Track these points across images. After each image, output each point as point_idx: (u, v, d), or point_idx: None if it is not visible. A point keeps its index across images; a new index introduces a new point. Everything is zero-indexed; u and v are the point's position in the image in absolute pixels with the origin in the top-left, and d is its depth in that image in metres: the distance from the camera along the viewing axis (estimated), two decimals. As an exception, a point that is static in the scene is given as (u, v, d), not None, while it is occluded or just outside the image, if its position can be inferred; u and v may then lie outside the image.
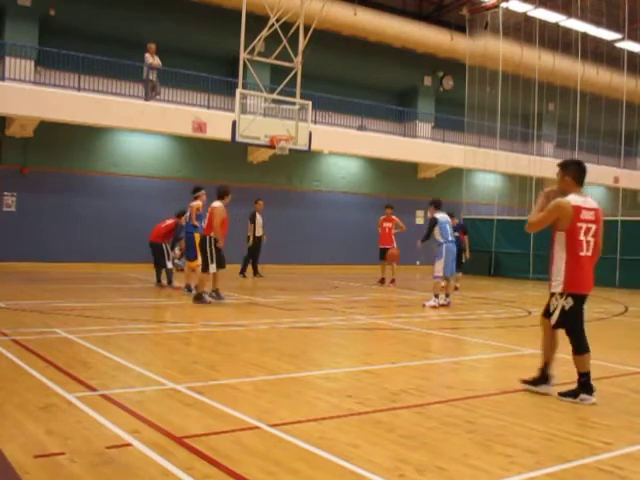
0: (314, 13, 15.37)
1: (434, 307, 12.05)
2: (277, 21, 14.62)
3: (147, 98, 18.90)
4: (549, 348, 5.75)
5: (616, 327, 11.04)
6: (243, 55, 14.22)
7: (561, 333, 5.60)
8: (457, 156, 24.35)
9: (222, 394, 5.24)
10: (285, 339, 8.30)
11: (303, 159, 21.98)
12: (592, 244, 5.50)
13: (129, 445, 3.94)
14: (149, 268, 15.34)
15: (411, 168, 25.20)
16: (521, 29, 23.80)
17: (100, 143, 19.52)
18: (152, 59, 18.75)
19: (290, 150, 14.88)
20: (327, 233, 23.01)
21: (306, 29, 14.87)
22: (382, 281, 17.05)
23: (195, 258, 12.75)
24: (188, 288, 12.92)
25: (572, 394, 5.48)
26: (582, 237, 5.40)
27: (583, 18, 22.98)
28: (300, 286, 16.35)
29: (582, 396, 5.43)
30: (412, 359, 6.57)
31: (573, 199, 5.45)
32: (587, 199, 5.55)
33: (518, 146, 26.49)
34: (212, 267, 11.37)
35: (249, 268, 18.09)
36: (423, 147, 24.45)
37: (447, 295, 12.50)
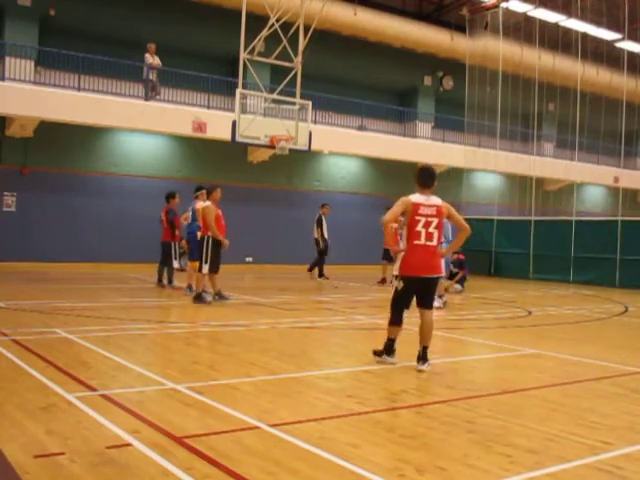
0: (314, 13, 15.37)
1: (439, 308, 12.03)
2: (277, 21, 14.61)
3: (147, 98, 18.90)
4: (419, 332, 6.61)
5: (616, 327, 11.04)
6: (243, 55, 14.22)
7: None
8: (457, 156, 24.34)
9: (222, 394, 5.24)
10: (285, 339, 8.30)
11: (303, 159, 21.97)
12: (436, 235, 6.45)
13: (129, 445, 3.94)
14: (149, 268, 15.34)
15: (411, 168, 24.89)
16: (521, 29, 23.79)
17: (100, 143, 19.52)
18: (152, 59, 18.76)
19: (290, 150, 14.88)
20: (327, 233, 22.94)
21: (306, 29, 14.86)
22: (383, 281, 17.04)
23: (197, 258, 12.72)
24: (190, 288, 12.91)
25: (378, 354, 6.73)
26: (420, 228, 6.41)
27: (583, 18, 22.98)
28: (300, 286, 16.34)
29: (384, 357, 6.68)
30: (412, 359, 6.56)
31: (414, 197, 6.47)
32: (430, 197, 6.52)
33: (518, 146, 26.49)
34: (204, 268, 11.38)
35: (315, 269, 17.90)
36: (423, 147, 24.42)
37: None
